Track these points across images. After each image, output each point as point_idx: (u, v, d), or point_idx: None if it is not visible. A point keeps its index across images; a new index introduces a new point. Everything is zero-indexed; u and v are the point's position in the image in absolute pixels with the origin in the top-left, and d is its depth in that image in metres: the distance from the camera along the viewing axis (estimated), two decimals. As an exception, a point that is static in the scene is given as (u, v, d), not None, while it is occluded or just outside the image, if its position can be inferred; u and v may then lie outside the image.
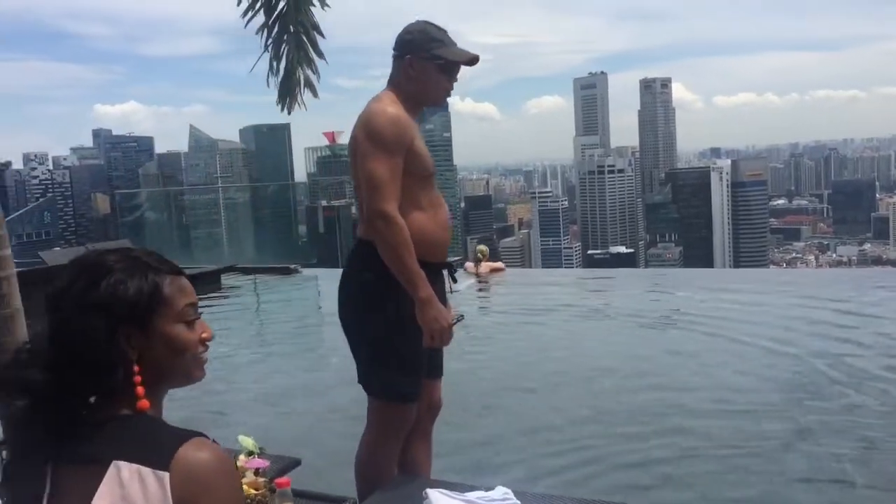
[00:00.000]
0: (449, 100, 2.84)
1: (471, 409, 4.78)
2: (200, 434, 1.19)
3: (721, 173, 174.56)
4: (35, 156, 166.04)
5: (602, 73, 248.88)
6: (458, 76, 2.77)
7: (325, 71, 3.73)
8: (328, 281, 11.63)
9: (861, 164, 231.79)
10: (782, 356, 5.87)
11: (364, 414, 2.85)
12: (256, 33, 3.63)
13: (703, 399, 5.02)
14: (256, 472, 2.26)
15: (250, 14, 3.58)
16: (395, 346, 2.66)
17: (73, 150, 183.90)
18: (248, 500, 2.14)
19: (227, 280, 10.75)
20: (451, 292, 2.89)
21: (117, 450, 1.16)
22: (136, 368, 1.23)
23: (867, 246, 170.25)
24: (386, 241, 2.55)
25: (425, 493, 2.39)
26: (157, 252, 1.34)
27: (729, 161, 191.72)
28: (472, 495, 2.44)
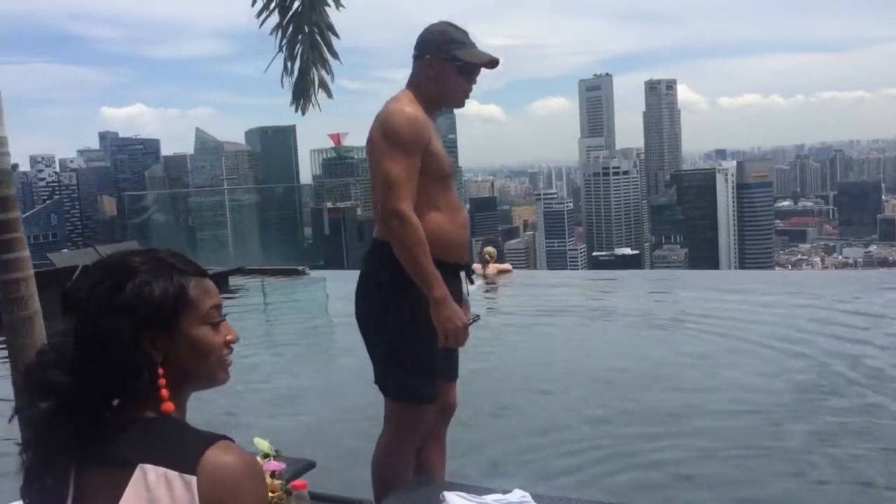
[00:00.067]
0: None
1: (483, 409, 4.76)
2: (226, 437, 1.18)
3: (726, 175, 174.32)
4: (42, 158, 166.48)
5: (607, 74, 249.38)
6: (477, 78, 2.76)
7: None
8: (333, 282, 11.71)
9: (867, 166, 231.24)
10: (795, 357, 5.83)
11: (377, 415, 2.84)
12: (271, 34, 3.62)
13: (717, 400, 4.99)
14: (273, 475, 2.25)
15: (265, 14, 3.58)
16: (411, 346, 2.64)
17: (80, 152, 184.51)
18: None
19: (234, 282, 10.75)
20: (469, 294, 2.88)
21: (143, 453, 1.15)
22: (160, 371, 1.22)
23: (873, 248, 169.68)
24: (401, 241, 2.54)
25: (442, 496, 2.36)
26: (181, 253, 1.32)
27: (734, 162, 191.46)
28: (489, 498, 2.41)
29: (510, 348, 6.46)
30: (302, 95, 3.66)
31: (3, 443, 4.63)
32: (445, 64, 2.66)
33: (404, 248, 2.54)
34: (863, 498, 3.61)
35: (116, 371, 1.19)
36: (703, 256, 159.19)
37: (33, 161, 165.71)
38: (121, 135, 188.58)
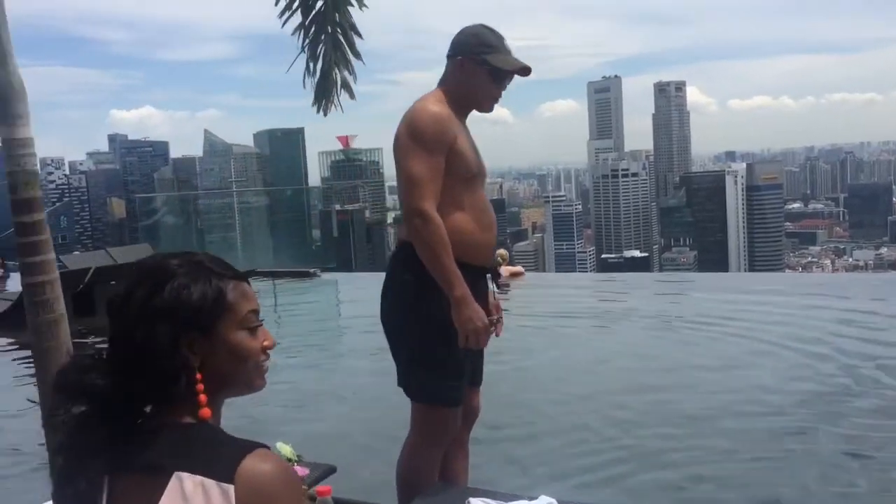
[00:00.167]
0: None
1: (503, 410, 4.73)
2: (263, 445, 1.16)
3: (736, 177, 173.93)
4: (52, 160, 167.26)
5: (616, 76, 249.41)
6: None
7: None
8: (343, 285, 11.71)
9: (878, 168, 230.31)
10: (817, 358, 5.78)
11: (396, 418, 2.81)
12: (293, 34, 3.59)
13: (739, 401, 4.94)
14: (297, 482, 2.22)
15: (287, 14, 3.56)
16: (436, 348, 2.60)
17: (90, 154, 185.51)
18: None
19: (246, 284, 10.72)
20: (495, 299, 2.85)
21: (179, 460, 1.13)
22: (198, 376, 1.21)
23: (884, 250, 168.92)
24: (422, 239, 2.52)
25: (468, 502, 2.34)
26: (219, 257, 1.31)
27: (744, 164, 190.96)
28: (515, 505, 2.39)
29: (528, 350, 6.42)
30: (324, 96, 3.64)
31: (26, 442, 4.67)
32: (476, 67, 2.63)
33: (426, 248, 2.52)
34: (892, 504, 3.56)
35: (154, 375, 1.18)
36: (713, 259, 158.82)
37: (43, 163, 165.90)
38: (130, 137, 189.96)
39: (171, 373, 1.18)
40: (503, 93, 2.75)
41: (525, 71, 2.69)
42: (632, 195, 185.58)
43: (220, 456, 1.14)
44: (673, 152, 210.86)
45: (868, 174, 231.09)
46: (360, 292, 10.99)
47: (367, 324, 7.95)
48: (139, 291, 1.21)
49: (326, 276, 12.10)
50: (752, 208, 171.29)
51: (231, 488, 1.10)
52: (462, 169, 2.62)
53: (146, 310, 1.19)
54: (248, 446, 1.15)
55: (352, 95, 3.77)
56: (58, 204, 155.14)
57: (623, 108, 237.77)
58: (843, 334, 6.44)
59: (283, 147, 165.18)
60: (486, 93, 2.69)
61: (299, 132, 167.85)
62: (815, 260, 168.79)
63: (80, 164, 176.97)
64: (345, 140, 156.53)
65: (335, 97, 3.71)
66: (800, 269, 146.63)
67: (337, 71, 3.64)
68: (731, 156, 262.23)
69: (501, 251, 10.61)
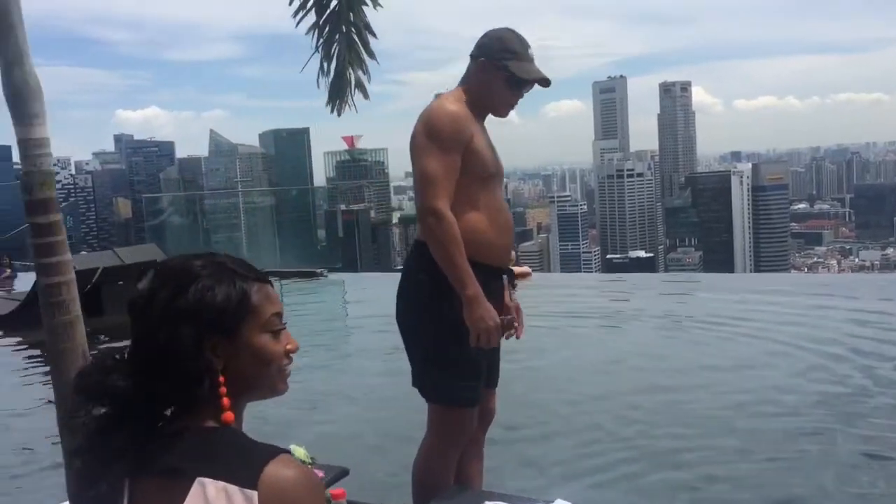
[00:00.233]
0: None
1: (516, 410, 4.72)
2: (285, 450, 1.15)
3: (741, 177, 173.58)
4: (58, 160, 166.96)
5: (621, 76, 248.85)
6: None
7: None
8: (349, 285, 11.70)
9: (884, 168, 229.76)
10: (831, 358, 5.75)
11: (407, 419, 2.80)
12: (307, 33, 3.58)
13: (753, 401, 4.92)
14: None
15: (301, 14, 3.54)
16: (451, 348, 2.59)
17: (95, 154, 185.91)
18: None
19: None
20: (515, 301, 2.84)
21: (201, 465, 1.12)
22: (221, 379, 1.19)
23: (890, 250, 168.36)
24: (435, 238, 2.51)
25: (486, 506, 2.33)
26: (242, 258, 1.29)
27: (749, 165, 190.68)
28: (533, 508, 2.37)
29: (540, 350, 6.40)
30: (338, 96, 3.63)
31: (36, 440, 4.67)
32: (495, 71, 2.63)
33: (439, 246, 2.51)
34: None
35: (177, 377, 1.17)
36: (718, 259, 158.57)
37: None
38: (136, 137, 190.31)
39: (195, 375, 1.17)
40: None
41: (543, 82, 2.70)
42: (637, 195, 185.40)
43: (243, 461, 1.12)
44: (678, 152, 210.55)
45: (874, 174, 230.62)
46: (367, 292, 11.00)
47: (376, 324, 7.95)
48: (162, 292, 1.20)
49: (333, 276, 12.09)
50: (758, 209, 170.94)
51: (255, 494, 1.09)
52: (478, 168, 2.61)
53: (170, 311, 1.18)
54: (272, 452, 1.13)
55: (366, 95, 3.76)
56: (64, 204, 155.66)
57: (628, 109, 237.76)
58: (857, 334, 6.41)
59: (289, 147, 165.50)
60: (502, 98, 2.69)
61: (304, 132, 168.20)
62: (820, 260, 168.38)
63: (86, 163, 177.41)
64: (350, 140, 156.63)
65: (349, 97, 3.70)
66: (805, 269, 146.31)
67: (351, 71, 3.63)
68: (736, 156, 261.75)
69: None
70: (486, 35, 2.68)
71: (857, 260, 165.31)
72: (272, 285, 1.29)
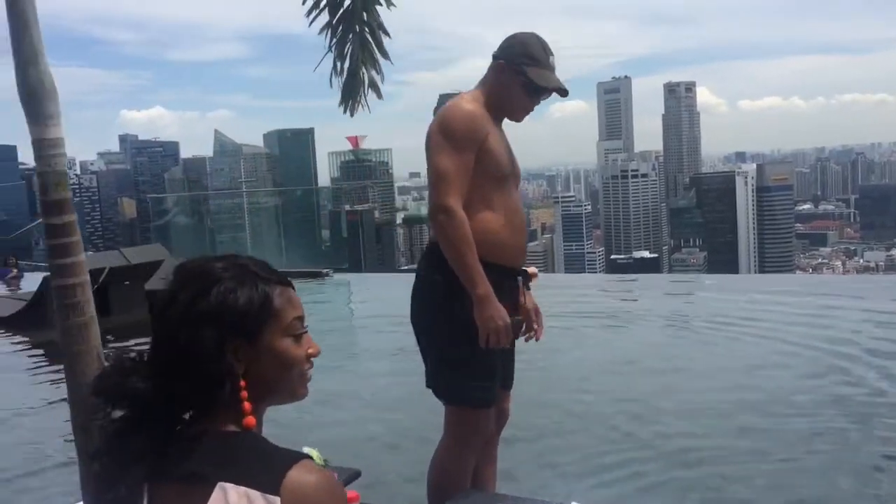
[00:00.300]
0: None
1: (530, 410, 4.70)
2: (306, 455, 1.15)
3: (746, 178, 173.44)
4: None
5: (626, 77, 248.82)
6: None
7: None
8: (354, 285, 11.68)
9: (889, 169, 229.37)
10: (843, 358, 5.72)
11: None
12: (320, 33, 3.56)
13: (765, 401, 4.88)
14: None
15: (315, 13, 3.52)
16: (465, 349, 2.57)
17: (100, 155, 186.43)
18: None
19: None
20: (531, 302, 2.82)
21: (223, 470, 1.11)
22: (242, 383, 1.17)
23: (895, 251, 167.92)
24: (446, 236, 2.50)
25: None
26: (264, 261, 1.27)
27: (754, 165, 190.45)
28: (548, 511, 2.35)
29: (553, 350, 6.39)
30: (351, 96, 3.61)
31: (45, 439, 4.67)
32: (513, 76, 2.63)
33: (449, 244, 2.50)
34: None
35: (198, 381, 1.15)
36: (723, 260, 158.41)
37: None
38: (141, 137, 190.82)
39: (216, 378, 1.15)
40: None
41: (560, 91, 2.68)
42: (641, 196, 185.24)
43: (265, 466, 1.11)
44: (683, 153, 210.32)
45: (879, 175, 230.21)
46: (372, 292, 11.01)
47: (381, 324, 7.94)
48: (183, 294, 1.18)
49: (338, 276, 12.07)
50: (763, 209, 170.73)
51: (277, 500, 1.08)
52: (492, 168, 2.60)
53: (191, 313, 1.16)
54: (294, 457, 1.13)
55: (379, 95, 3.75)
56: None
57: (633, 109, 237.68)
58: (870, 335, 6.38)
59: (293, 147, 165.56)
60: (519, 102, 2.69)
61: (309, 132, 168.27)
62: (825, 261, 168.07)
63: (91, 164, 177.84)
64: (355, 140, 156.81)
65: (362, 97, 3.68)
66: (810, 270, 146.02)
67: (364, 70, 3.62)
68: (741, 156, 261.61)
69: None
70: (510, 37, 2.68)
71: (861, 261, 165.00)
72: (294, 289, 1.28)
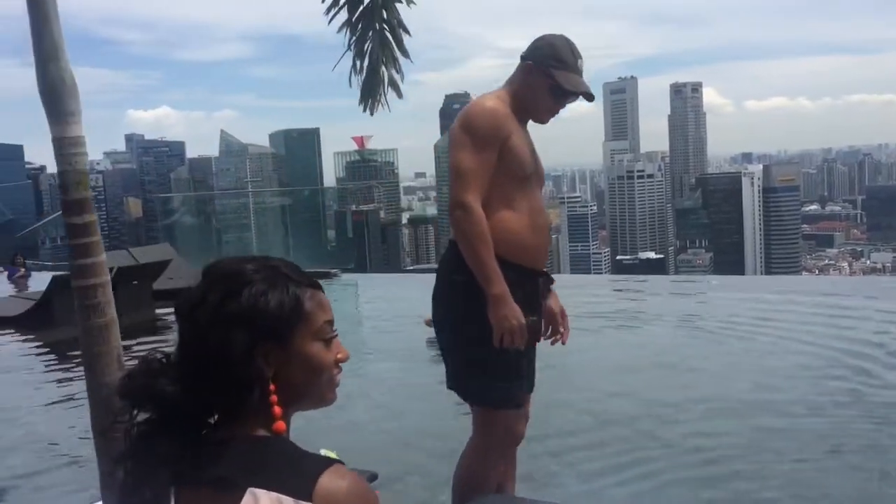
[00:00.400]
0: None
1: (547, 410, 4.68)
2: (337, 460, 1.13)
3: (752, 178, 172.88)
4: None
5: (632, 77, 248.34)
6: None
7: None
8: (360, 285, 11.65)
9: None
10: (862, 359, 5.68)
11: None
12: (338, 31, 3.53)
13: (783, 401, 4.87)
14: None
15: (334, 11, 3.49)
16: (489, 349, 2.54)
17: (107, 154, 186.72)
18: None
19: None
20: (557, 305, 2.80)
21: (253, 475, 1.08)
22: (272, 387, 1.15)
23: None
24: (462, 232, 2.49)
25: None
26: (294, 263, 1.25)
27: (760, 166, 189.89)
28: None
29: (567, 349, 6.38)
30: (371, 95, 3.57)
31: (57, 437, 4.66)
32: (540, 78, 2.62)
33: (465, 240, 2.49)
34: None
35: (227, 384, 1.13)
36: (729, 261, 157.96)
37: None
38: (147, 137, 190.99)
39: (245, 382, 1.13)
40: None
41: (587, 96, 2.67)
42: (647, 196, 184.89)
43: (295, 472, 1.09)
44: (689, 153, 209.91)
45: (886, 176, 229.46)
46: (378, 292, 10.99)
47: (392, 325, 7.92)
48: (213, 296, 1.16)
49: (345, 276, 12.06)
50: (769, 210, 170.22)
51: None
52: (514, 167, 2.58)
53: (221, 315, 1.14)
54: (326, 462, 1.11)
55: (399, 94, 3.71)
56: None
57: (639, 110, 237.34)
58: (891, 335, 6.33)
59: (299, 147, 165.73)
60: (545, 104, 2.68)
61: (315, 132, 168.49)
62: (832, 262, 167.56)
63: (98, 163, 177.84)
64: (360, 140, 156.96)
65: (382, 95, 3.65)
66: (816, 271, 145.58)
67: (384, 69, 3.58)
68: (747, 157, 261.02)
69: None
70: (540, 38, 2.67)
71: (868, 262, 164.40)
72: (324, 292, 1.26)
